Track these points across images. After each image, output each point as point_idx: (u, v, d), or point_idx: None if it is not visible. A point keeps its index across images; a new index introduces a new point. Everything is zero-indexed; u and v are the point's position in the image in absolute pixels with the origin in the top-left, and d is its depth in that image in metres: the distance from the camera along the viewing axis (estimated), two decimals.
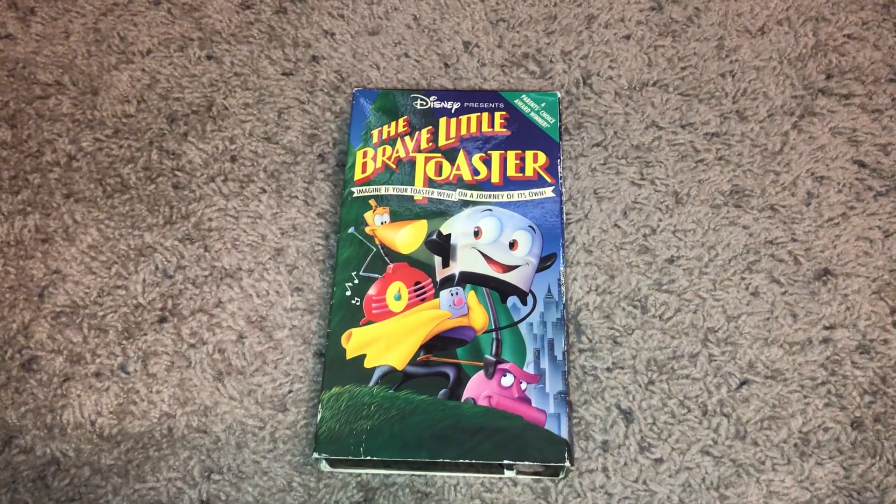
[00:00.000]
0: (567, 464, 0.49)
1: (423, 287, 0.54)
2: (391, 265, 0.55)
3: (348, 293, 0.54)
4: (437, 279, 0.54)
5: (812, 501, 0.51)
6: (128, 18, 0.68)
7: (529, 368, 0.51)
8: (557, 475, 0.51)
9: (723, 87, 0.63)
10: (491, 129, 0.59)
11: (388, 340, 0.52)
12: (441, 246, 0.55)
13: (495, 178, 0.57)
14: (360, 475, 0.52)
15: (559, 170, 0.58)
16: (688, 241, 0.58)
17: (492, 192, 0.57)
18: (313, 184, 0.61)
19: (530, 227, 0.56)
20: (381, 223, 0.56)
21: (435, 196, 0.57)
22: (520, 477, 0.51)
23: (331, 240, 0.59)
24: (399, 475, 0.52)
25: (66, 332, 0.56)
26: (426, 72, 0.65)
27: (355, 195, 0.57)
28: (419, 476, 0.52)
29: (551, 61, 0.65)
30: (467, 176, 0.58)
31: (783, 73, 0.63)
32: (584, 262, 0.57)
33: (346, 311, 0.54)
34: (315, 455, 0.50)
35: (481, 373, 0.51)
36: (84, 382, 0.55)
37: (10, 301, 0.57)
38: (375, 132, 0.59)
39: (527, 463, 0.49)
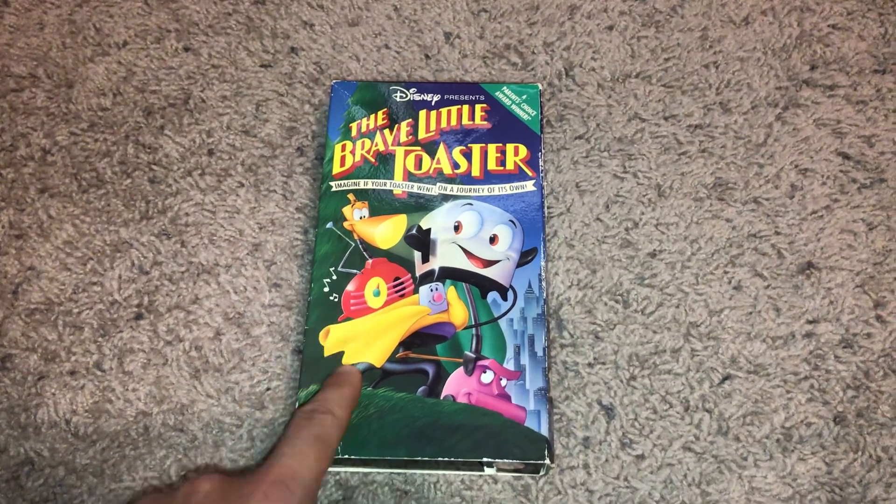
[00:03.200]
0: (547, 461, 0.48)
1: (402, 283, 0.53)
2: (370, 261, 0.54)
3: (326, 289, 0.53)
4: (417, 274, 0.53)
5: (794, 497, 0.50)
6: (103, 10, 0.66)
7: (510, 365, 0.51)
8: (538, 472, 0.50)
9: (706, 78, 0.62)
10: (471, 122, 0.58)
11: (366, 337, 0.52)
12: (421, 241, 0.55)
13: (476, 172, 0.57)
14: (338, 474, 0.51)
15: (540, 163, 0.57)
16: (670, 234, 0.57)
17: (472, 186, 0.56)
18: (292, 178, 0.60)
19: (511, 221, 0.55)
20: (360, 218, 0.55)
21: (415, 190, 0.56)
22: (500, 474, 0.51)
23: (309, 235, 0.58)
24: (378, 473, 0.51)
25: (40, 330, 0.55)
26: (407, 63, 0.64)
27: (334, 189, 0.56)
28: (398, 474, 0.51)
29: (533, 52, 0.64)
30: (447, 170, 0.57)
31: (767, 63, 0.63)
32: (565, 257, 0.57)
33: (323, 308, 0.53)
34: None
35: (461, 369, 0.51)
36: (59, 381, 0.54)
37: None
38: (354, 125, 0.59)
39: (507, 461, 0.48)
